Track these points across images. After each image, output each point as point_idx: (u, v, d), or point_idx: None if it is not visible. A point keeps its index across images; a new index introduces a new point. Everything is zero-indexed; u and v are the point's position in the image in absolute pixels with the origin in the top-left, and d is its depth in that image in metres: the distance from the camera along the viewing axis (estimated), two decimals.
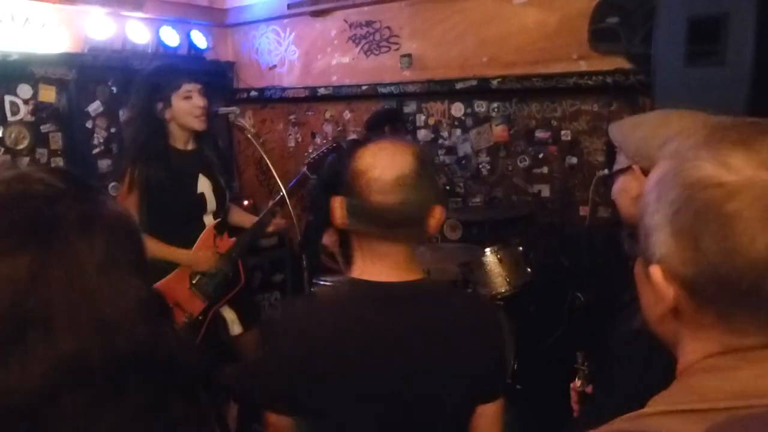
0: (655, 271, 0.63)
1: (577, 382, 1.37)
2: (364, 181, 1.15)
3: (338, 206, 1.21)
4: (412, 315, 1.20)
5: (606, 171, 3.45)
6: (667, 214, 0.61)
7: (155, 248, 2.41)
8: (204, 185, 2.58)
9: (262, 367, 1.26)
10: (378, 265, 1.21)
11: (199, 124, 2.51)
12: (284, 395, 1.19)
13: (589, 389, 1.34)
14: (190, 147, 2.58)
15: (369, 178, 1.15)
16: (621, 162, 1.27)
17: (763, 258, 0.54)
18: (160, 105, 2.46)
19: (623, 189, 1.27)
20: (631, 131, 1.26)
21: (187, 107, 2.48)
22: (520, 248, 3.45)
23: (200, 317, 2.56)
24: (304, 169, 2.73)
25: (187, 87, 2.48)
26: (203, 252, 2.55)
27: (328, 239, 3.49)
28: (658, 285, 0.63)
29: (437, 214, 1.20)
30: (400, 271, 1.21)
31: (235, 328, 2.72)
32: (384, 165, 1.15)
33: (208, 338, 2.61)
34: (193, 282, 2.54)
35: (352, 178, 1.17)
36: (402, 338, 1.18)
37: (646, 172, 1.16)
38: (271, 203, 2.72)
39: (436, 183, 1.24)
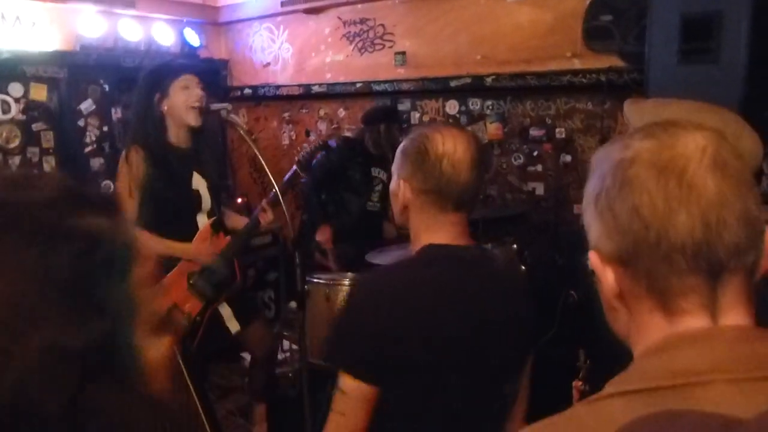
0: (592, 256, 0.70)
1: (578, 381, 1.37)
2: (446, 162, 1.29)
3: (406, 187, 1.35)
4: (481, 274, 1.37)
5: None
6: (590, 200, 0.71)
7: (157, 245, 2.41)
8: (199, 183, 2.57)
9: (355, 330, 1.30)
10: (447, 233, 1.35)
11: (194, 119, 2.50)
12: (378, 354, 1.24)
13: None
14: (185, 144, 2.57)
15: (452, 160, 1.29)
16: None
17: (661, 207, 0.62)
18: (157, 95, 2.45)
19: None
20: (634, 120, 1.29)
21: (184, 98, 2.47)
22: (514, 246, 3.44)
23: (198, 318, 2.55)
24: (295, 167, 2.71)
25: (186, 77, 2.48)
26: (203, 244, 2.54)
27: (322, 236, 3.48)
28: (597, 269, 0.70)
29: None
30: (464, 237, 1.38)
31: (232, 324, 2.71)
32: (461, 148, 1.30)
33: (206, 337, 2.60)
34: (191, 282, 2.53)
35: (429, 160, 1.30)
36: (476, 294, 1.32)
37: None
38: (263, 201, 2.71)
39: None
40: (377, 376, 1.23)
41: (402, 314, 1.25)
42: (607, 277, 0.69)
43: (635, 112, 1.31)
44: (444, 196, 1.32)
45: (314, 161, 3.88)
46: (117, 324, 0.56)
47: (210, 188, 2.61)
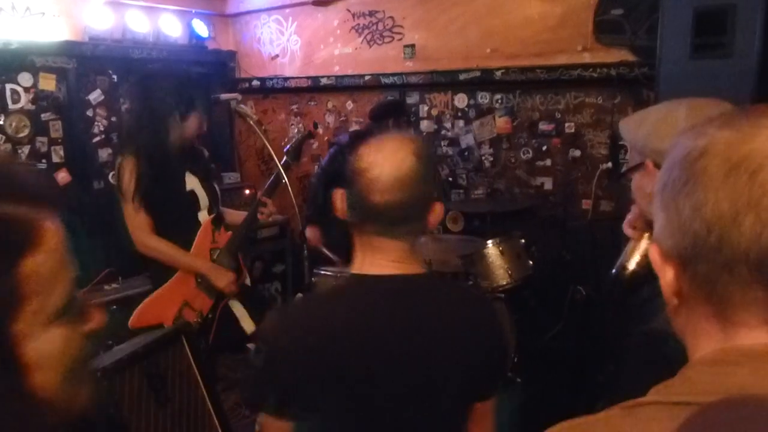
0: (652, 249, 0.65)
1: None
2: (365, 179, 1.15)
3: (339, 199, 1.22)
4: (412, 308, 1.20)
5: (609, 164, 3.43)
6: (657, 189, 0.65)
7: (181, 258, 2.49)
8: (192, 182, 2.57)
9: (265, 368, 1.22)
10: (379, 260, 1.21)
11: (196, 140, 2.57)
12: (288, 394, 1.17)
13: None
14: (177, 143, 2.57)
15: (369, 178, 1.15)
16: (634, 159, 1.23)
17: (726, 208, 0.56)
18: (178, 117, 2.45)
19: (639, 186, 1.23)
20: (636, 127, 1.22)
21: (196, 127, 2.51)
22: (522, 241, 3.43)
23: (210, 315, 2.57)
24: (285, 158, 2.70)
25: (202, 112, 2.52)
26: (220, 268, 2.56)
27: (311, 233, 3.47)
28: (656, 264, 0.65)
29: (437, 210, 1.21)
30: (401, 264, 1.21)
31: (246, 323, 2.71)
32: (384, 164, 1.15)
33: (220, 337, 2.61)
34: (198, 280, 2.55)
35: (353, 174, 1.17)
36: (403, 332, 1.17)
37: (657, 166, 1.13)
38: (258, 194, 2.72)
39: (435, 179, 1.24)
40: (296, 413, 1.18)
41: (309, 353, 1.15)
42: (666, 274, 0.64)
43: (624, 121, 1.28)
44: (371, 220, 1.18)
45: (326, 156, 3.88)
46: None
47: (204, 185, 2.61)
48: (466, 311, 1.27)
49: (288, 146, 2.75)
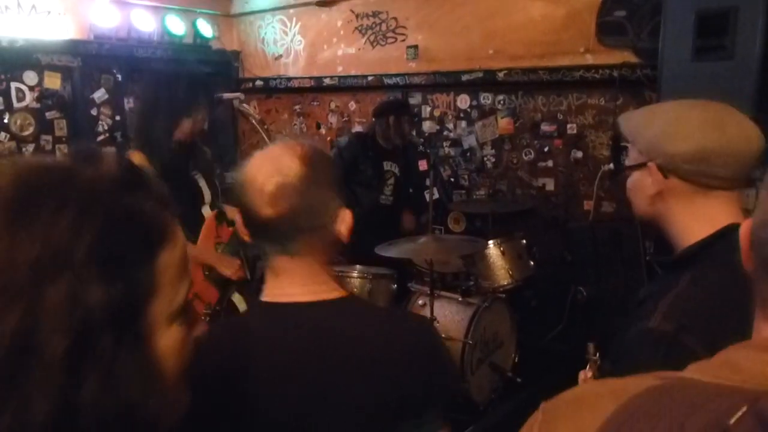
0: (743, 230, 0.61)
1: (588, 372, 1.34)
2: (249, 193, 1.05)
3: (239, 219, 1.10)
4: (311, 341, 1.05)
5: (611, 165, 3.44)
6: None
7: (189, 249, 2.46)
8: (198, 177, 2.64)
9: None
10: (284, 284, 1.08)
11: (200, 134, 2.61)
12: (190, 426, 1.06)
13: None
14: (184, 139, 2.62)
15: (252, 191, 1.04)
16: (634, 157, 1.18)
17: None
18: (182, 118, 2.50)
19: (638, 186, 1.18)
20: (643, 126, 1.17)
21: (201, 124, 2.57)
22: (524, 241, 3.44)
23: (217, 307, 2.64)
24: None
25: (205, 111, 2.57)
26: (228, 258, 2.63)
27: None
28: (743, 248, 0.61)
29: (345, 218, 1.08)
30: (306, 288, 1.07)
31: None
32: (265, 174, 1.04)
33: None
34: (206, 273, 2.60)
35: (239, 189, 1.07)
36: (296, 366, 1.03)
37: (662, 169, 1.10)
38: None
39: (335, 185, 1.10)
40: None
41: (200, 381, 0.98)
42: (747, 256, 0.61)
43: (625, 118, 1.25)
44: (265, 237, 1.07)
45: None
46: (136, 295, 0.58)
47: (207, 180, 2.65)
48: (378, 341, 1.08)
49: None
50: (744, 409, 0.46)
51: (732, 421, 0.45)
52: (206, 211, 2.65)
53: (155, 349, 0.61)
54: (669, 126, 1.12)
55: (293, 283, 1.07)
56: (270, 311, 1.08)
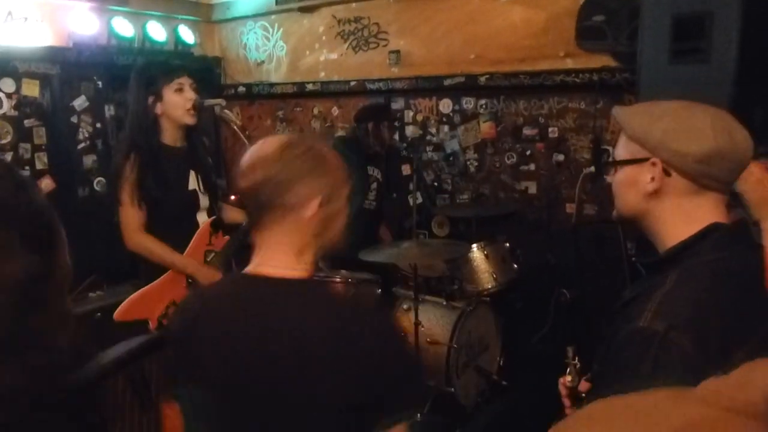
0: None
1: (567, 377, 1.34)
2: (236, 172, 1.20)
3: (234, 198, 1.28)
4: (261, 314, 1.15)
5: (592, 168, 3.47)
6: None
7: (169, 258, 2.45)
8: (195, 182, 2.57)
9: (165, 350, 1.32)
10: (256, 257, 1.20)
11: (189, 119, 2.50)
12: (169, 372, 1.28)
13: (583, 386, 1.30)
14: (179, 144, 2.57)
15: (238, 168, 1.20)
16: (631, 152, 1.14)
17: None
18: (151, 99, 2.45)
19: (632, 182, 1.14)
20: (650, 122, 1.12)
21: (178, 100, 2.47)
22: (507, 245, 3.46)
23: None
24: None
25: (179, 80, 2.48)
26: (209, 269, 2.55)
27: None
28: None
29: (313, 206, 1.16)
30: (266, 262, 1.18)
31: None
32: (250, 152, 1.20)
33: None
34: (190, 281, 2.54)
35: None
36: (249, 338, 1.13)
37: (668, 165, 1.08)
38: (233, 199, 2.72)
39: (312, 169, 1.18)
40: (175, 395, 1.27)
41: (177, 336, 1.24)
42: None
43: (625, 112, 1.22)
44: (246, 210, 1.22)
45: None
46: (52, 273, 0.64)
47: (206, 186, 2.61)
48: (334, 322, 1.14)
49: None
50: None
51: None
52: (202, 218, 2.60)
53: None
54: (680, 125, 1.09)
55: (257, 256, 1.19)
56: (234, 281, 1.24)
